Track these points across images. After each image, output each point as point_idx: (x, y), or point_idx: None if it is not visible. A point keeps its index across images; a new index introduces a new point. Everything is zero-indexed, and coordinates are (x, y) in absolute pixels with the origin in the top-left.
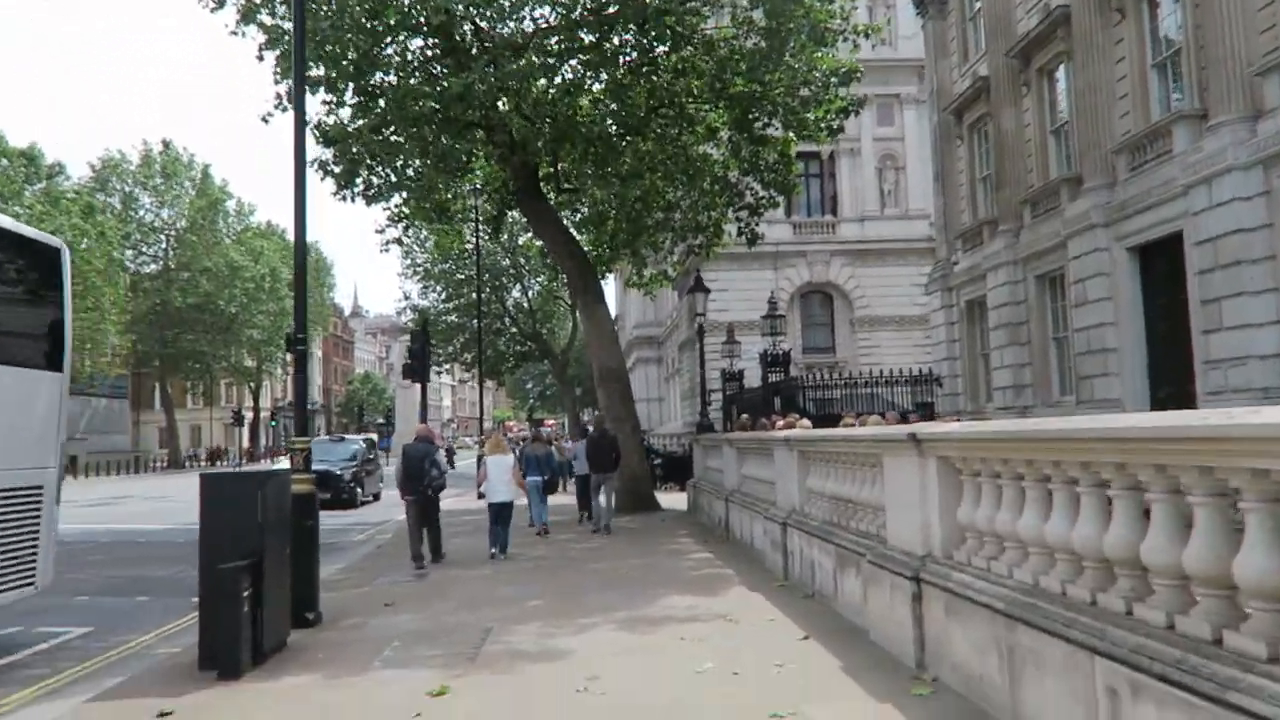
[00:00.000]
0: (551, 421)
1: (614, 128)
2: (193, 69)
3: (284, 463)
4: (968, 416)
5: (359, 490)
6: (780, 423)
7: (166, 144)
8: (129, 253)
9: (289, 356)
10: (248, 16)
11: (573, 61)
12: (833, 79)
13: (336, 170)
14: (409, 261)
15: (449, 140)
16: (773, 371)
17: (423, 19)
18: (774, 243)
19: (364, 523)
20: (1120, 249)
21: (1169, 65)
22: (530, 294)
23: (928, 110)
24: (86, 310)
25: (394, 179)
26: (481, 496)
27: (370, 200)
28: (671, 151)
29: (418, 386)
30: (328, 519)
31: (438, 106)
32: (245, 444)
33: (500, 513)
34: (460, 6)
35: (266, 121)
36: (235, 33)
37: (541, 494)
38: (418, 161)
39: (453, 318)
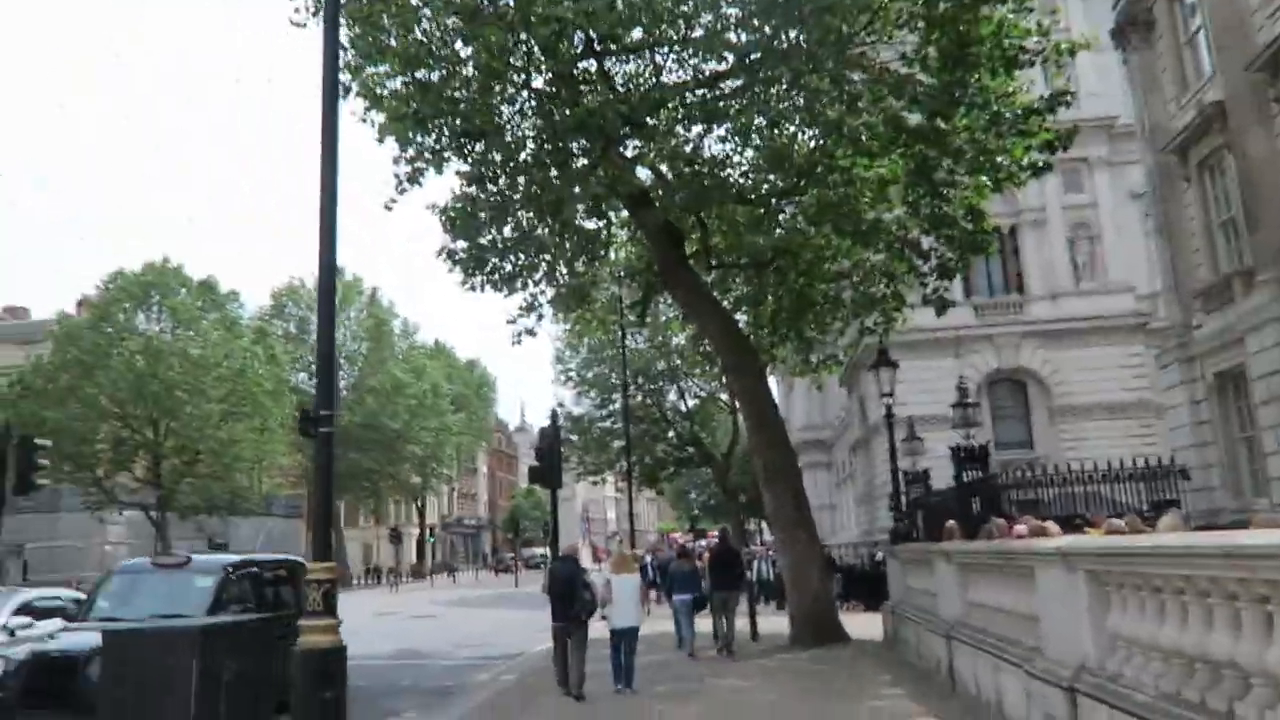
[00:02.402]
0: (714, 533)
1: (768, 186)
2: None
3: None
4: (1230, 517)
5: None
6: (1019, 529)
7: (339, 270)
8: (302, 375)
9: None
10: (368, 96)
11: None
12: (1037, 105)
13: (462, 257)
14: (560, 368)
15: (567, 186)
16: (967, 469)
17: (533, 45)
18: (954, 327)
19: (484, 658)
20: None
21: None
22: (687, 396)
23: (1139, 156)
24: (256, 430)
25: (523, 259)
26: (604, 619)
27: (499, 287)
28: (839, 208)
29: (578, 500)
30: (424, 651)
31: (553, 149)
32: (413, 561)
33: (625, 640)
34: (570, 9)
35: (389, 209)
36: (363, 120)
37: (691, 613)
38: (544, 231)
39: (607, 423)
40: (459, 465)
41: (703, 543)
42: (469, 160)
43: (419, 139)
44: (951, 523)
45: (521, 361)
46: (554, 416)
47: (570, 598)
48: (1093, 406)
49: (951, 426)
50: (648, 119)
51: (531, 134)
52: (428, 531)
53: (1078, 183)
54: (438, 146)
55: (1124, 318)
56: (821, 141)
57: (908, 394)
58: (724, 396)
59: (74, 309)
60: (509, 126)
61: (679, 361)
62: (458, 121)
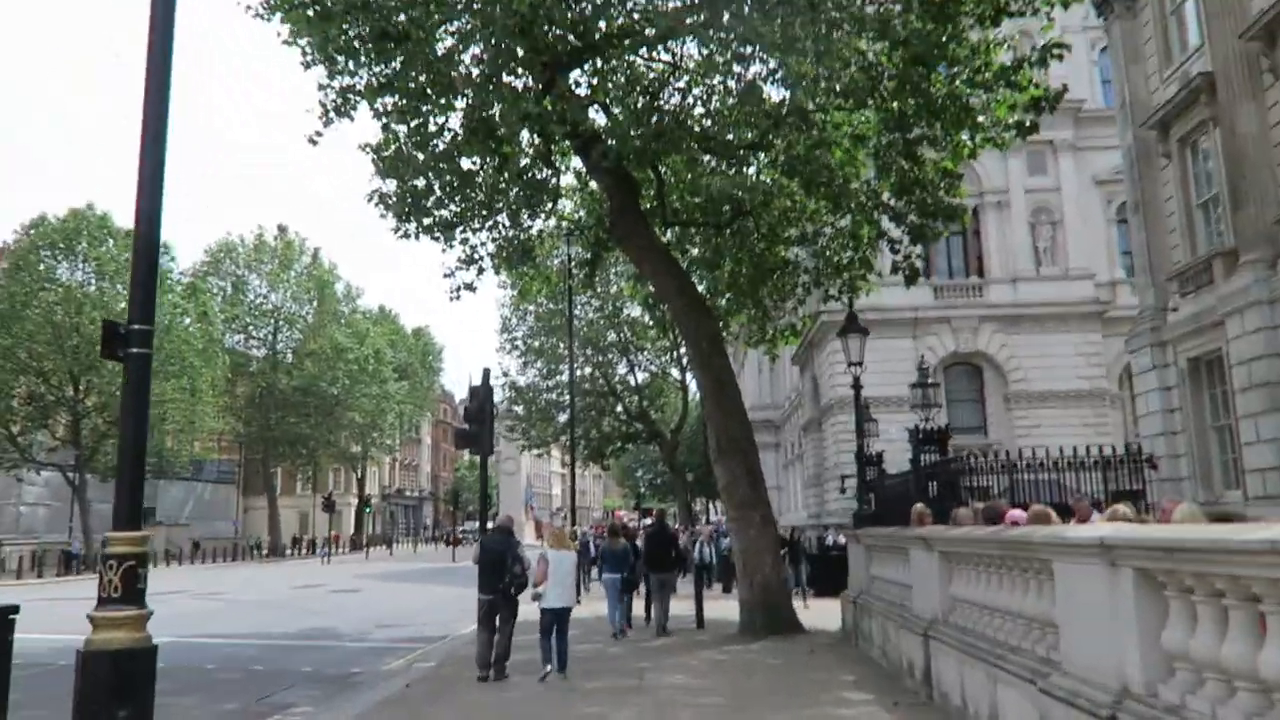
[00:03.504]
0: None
1: (733, 137)
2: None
3: None
4: (1199, 508)
5: None
6: (1014, 515)
7: (282, 229)
8: (238, 337)
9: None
10: (291, 17)
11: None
12: (1028, 59)
13: (393, 200)
14: (506, 336)
15: (506, 107)
16: (925, 451)
17: None
18: (912, 308)
19: (404, 639)
20: None
21: None
22: (637, 370)
23: (1117, 134)
24: (185, 391)
25: (462, 205)
26: (536, 599)
27: (435, 235)
28: (809, 162)
29: (523, 473)
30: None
31: (490, 64)
32: (351, 532)
33: (557, 621)
34: None
35: (314, 142)
36: (288, 42)
37: (620, 594)
38: (486, 173)
39: (553, 395)
40: (401, 434)
41: (648, 521)
42: (394, 81)
43: (337, 57)
44: (920, 506)
45: (472, 332)
46: (486, 375)
47: (500, 571)
48: (1047, 394)
49: (910, 407)
50: (597, 37)
51: (462, 44)
52: (365, 502)
53: (1041, 165)
54: (355, 48)
55: (1083, 305)
56: (793, 92)
57: (863, 374)
58: (675, 372)
59: None
60: (437, 36)
61: (629, 333)
62: (375, 20)
